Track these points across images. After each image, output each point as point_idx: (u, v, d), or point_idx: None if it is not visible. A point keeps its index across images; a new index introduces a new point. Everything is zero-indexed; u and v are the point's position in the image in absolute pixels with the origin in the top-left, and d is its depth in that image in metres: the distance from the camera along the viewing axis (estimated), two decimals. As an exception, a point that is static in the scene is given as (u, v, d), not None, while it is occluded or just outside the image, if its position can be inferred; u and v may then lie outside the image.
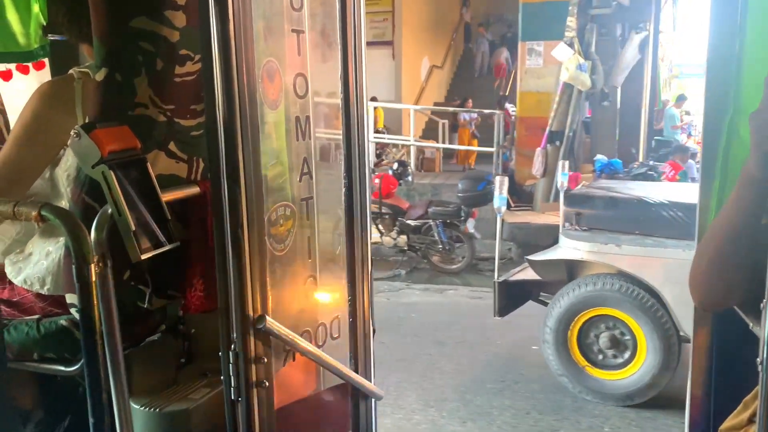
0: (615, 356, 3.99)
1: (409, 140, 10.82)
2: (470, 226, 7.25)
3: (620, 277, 3.92)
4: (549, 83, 8.90)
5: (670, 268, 3.76)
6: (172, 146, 1.40)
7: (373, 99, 12.30)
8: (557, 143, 8.26)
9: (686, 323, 3.67)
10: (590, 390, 4.01)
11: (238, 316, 1.26)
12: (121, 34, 1.27)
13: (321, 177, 1.61)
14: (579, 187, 4.99)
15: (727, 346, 1.34)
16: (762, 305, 0.90)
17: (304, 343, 1.41)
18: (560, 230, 4.35)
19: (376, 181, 7.67)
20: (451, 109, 12.42)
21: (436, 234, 7.31)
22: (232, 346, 1.28)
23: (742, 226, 1.01)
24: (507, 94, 14.05)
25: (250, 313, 1.27)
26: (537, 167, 8.32)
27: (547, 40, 8.94)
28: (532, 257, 4.49)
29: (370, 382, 1.71)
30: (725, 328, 1.34)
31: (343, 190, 1.63)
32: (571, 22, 7.97)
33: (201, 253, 1.51)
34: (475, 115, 12.32)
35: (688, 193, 4.46)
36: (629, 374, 3.92)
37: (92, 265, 1.12)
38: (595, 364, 4.03)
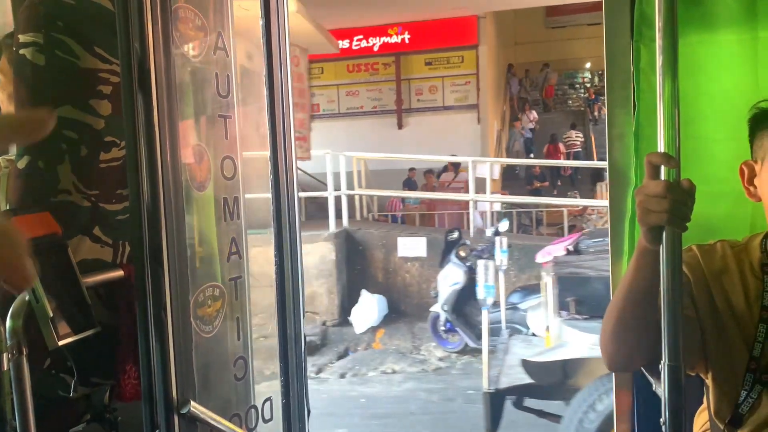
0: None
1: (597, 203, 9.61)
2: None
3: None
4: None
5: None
6: (96, 231, 1.40)
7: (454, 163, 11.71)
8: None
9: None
10: None
11: (161, 401, 1.24)
12: None
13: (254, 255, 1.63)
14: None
15: (647, 408, 1.37)
16: (660, 367, 0.94)
17: (231, 428, 1.39)
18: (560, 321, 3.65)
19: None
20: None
21: None
22: (156, 433, 1.25)
23: (640, 292, 1.07)
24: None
25: (174, 397, 1.25)
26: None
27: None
28: (530, 358, 3.81)
29: (307, 465, 1.67)
30: (646, 392, 1.37)
31: (274, 268, 1.65)
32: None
33: (131, 337, 1.49)
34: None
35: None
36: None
37: (5, 354, 1.10)
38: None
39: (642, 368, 1.20)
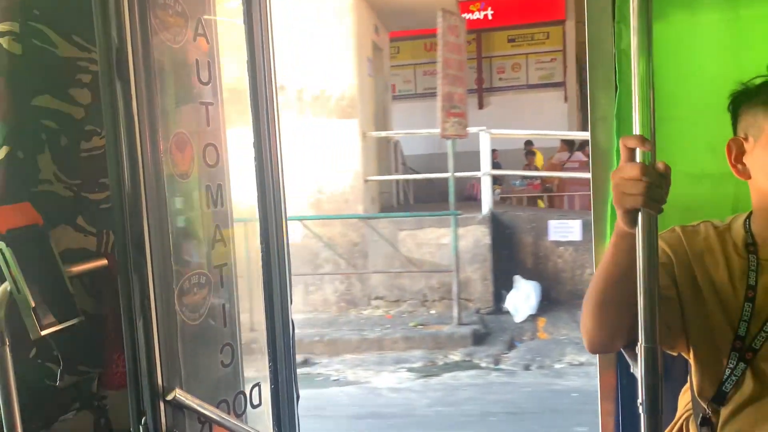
0: None
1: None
2: None
3: None
4: None
5: None
6: (79, 220, 1.40)
7: (529, 143, 10.98)
8: None
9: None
10: None
11: (147, 389, 1.25)
12: (22, 112, 1.28)
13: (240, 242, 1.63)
14: None
15: (630, 389, 1.38)
16: (637, 348, 0.95)
17: (218, 414, 1.40)
18: None
19: None
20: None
21: None
22: (143, 420, 1.26)
23: (618, 274, 1.08)
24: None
25: (160, 384, 1.26)
26: None
27: None
28: None
29: (296, 449, 1.69)
30: (629, 373, 1.39)
31: (260, 255, 1.65)
32: None
33: (118, 326, 1.49)
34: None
35: None
36: None
37: (-14, 345, 1.10)
38: None
39: (621, 349, 1.21)
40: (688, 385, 1.31)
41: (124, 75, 1.23)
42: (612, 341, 1.18)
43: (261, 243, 1.64)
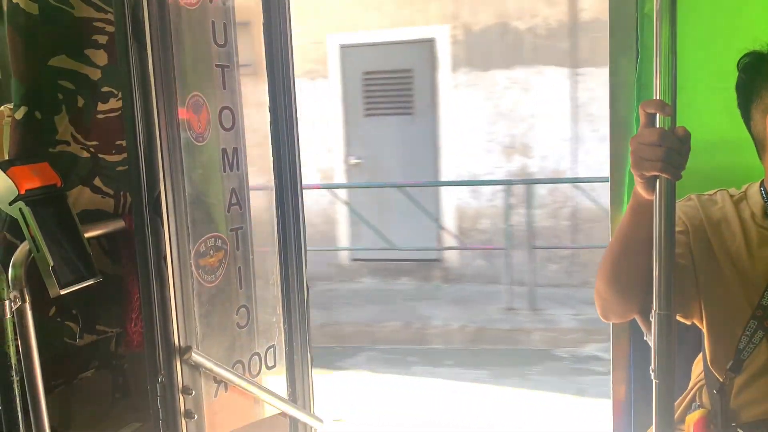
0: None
1: None
2: None
3: None
4: None
5: None
6: (97, 181, 1.41)
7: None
8: None
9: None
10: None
11: (163, 348, 1.27)
12: (39, 72, 1.29)
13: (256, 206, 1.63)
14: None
15: (643, 357, 1.39)
16: (651, 315, 0.94)
17: (233, 374, 1.42)
18: None
19: None
20: None
21: None
22: (160, 378, 1.29)
23: (634, 240, 1.07)
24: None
25: (176, 344, 1.28)
26: None
27: None
28: None
29: (310, 410, 1.71)
30: (642, 341, 1.39)
31: (275, 219, 1.65)
32: None
33: (136, 287, 1.51)
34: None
35: None
36: None
37: (7, 302, 1.13)
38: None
39: (635, 317, 1.20)
40: (701, 355, 1.31)
41: (140, 37, 1.23)
42: (625, 309, 1.17)
43: (276, 207, 1.65)
